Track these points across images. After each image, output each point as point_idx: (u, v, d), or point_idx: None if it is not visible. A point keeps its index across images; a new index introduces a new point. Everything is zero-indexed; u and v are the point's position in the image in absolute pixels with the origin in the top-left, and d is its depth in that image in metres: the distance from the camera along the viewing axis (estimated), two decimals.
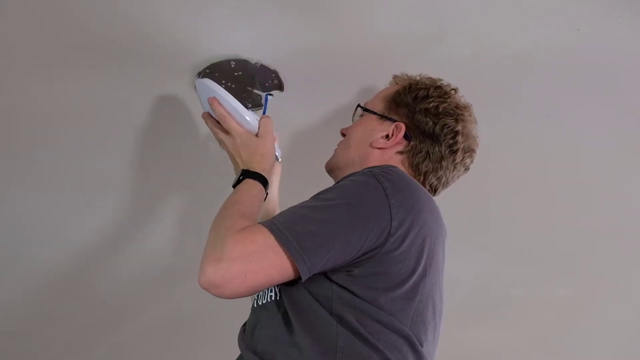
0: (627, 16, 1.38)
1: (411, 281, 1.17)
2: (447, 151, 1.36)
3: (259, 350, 1.16)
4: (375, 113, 1.41)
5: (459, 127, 1.37)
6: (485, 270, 2.17)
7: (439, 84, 1.40)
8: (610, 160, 1.77)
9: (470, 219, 1.96)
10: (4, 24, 1.37)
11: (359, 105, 1.46)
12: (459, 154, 1.38)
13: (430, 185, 1.38)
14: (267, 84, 1.53)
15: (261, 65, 1.48)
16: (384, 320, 1.13)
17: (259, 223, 1.13)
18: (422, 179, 1.36)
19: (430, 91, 1.38)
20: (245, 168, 1.31)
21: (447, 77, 1.42)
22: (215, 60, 1.47)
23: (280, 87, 1.54)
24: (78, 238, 1.99)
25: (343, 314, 1.12)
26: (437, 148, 1.36)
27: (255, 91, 1.53)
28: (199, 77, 1.49)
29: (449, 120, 1.36)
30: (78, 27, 1.39)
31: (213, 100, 1.37)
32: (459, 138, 1.37)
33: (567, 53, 1.48)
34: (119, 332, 2.44)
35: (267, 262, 1.09)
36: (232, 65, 1.48)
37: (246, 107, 1.53)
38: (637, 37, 1.43)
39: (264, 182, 1.29)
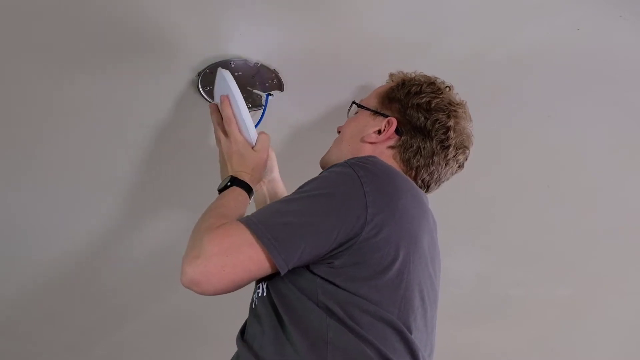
0: (627, 16, 1.38)
1: (394, 268, 1.16)
2: (438, 147, 1.35)
3: (253, 346, 1.17)
4: (368, 109, 1.41)
5: (451, 123, 1.36)
6: (485, 270, 2.17)
7: (433, 80, 1.40)
8: (610, 160, 1.77)
9: (470, 219, 1.96)
10: (4, 22, 1.37)
11: (354, 102, 1.47)
12: (451, 149, 1.37)
13: (422, 181, 1.37)
14: (267, 84, 1.53)
15: (261, 65, 1.48)
16: (369, 310, 1.13)
17: (237, 220, 1.14)
18: (413, 174, 1.36)
19: (423, 87, 1.38)
20: (233, 175, 1.33)
21: (447, 77, 1.42)
22: (215, 60, 1.47)
23: (280, 87, 1.54)
24: (78, 237, 1.99)
25: (330, 306, 1.12)
26: (428, 143, 1.35)
27: (255, 91, 1.53)
28: (199, 77, 1.49)
29: (440, 116, 1.35)
30: (78, 26, 1.39)
31: (224, 99, 1.38)
32: (451, 134, 1.36)
33: (567, 53, 1.48)
34: (119, 332, 2.44)
35: (243, 256, 1.10)
36: (232, 65, 1.47)
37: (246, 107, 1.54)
38: (637, 37, 1.43)
39: (250, 192, 1.32)
